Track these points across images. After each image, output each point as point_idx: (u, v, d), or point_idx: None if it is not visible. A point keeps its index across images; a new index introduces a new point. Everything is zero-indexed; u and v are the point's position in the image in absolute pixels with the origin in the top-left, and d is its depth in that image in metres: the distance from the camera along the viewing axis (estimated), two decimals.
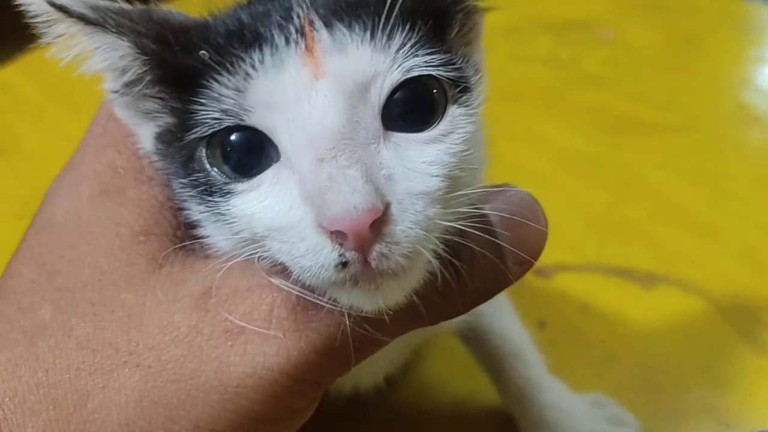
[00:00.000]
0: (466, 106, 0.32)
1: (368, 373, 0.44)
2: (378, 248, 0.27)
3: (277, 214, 0.30)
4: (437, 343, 0.56)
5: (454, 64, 0.32)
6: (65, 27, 0.33)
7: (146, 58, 0.32)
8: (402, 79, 0.30)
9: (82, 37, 0.33)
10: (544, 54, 1.04)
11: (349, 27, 0.30)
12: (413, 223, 0.28)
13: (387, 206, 0.28)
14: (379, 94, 0.30)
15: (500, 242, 0.32)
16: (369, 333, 0.30)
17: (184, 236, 0.34)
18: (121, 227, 0.33)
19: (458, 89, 0.32)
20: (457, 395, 0.53)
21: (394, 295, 0.29)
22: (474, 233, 0.30)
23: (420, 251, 0.28)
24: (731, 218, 0.69)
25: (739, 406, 0.52)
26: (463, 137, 0.31)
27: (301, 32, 0.30)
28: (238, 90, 0.30)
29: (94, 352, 0.30)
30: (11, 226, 0.75)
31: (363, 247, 0.27)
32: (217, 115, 0.31)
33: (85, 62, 0.34)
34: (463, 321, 0.45)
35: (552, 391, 0.49)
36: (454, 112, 0.31)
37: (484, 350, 0.49)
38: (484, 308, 0.46)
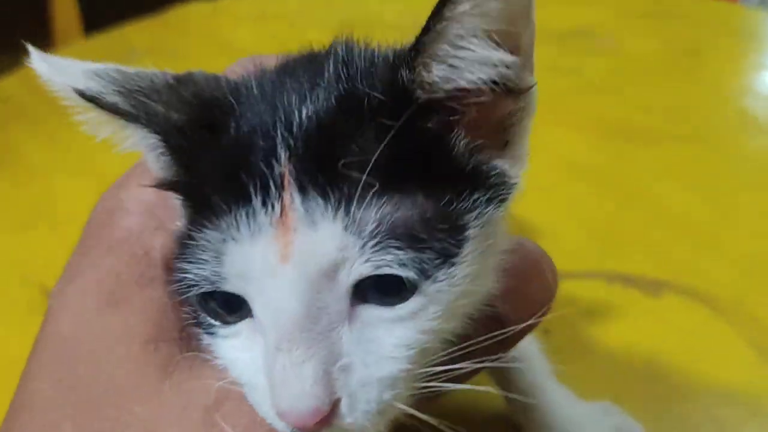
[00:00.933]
0: (445, 279, 0.29)
1: None
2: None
3: (248, 369, 0.30)
4: None
5: (439, 230, 0.29)
6: (96, 115, 0.32)
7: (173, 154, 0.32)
8: (371, 274, 0.28)
9: (114, 124, 0.32)
10: (545, 63, 1.04)
11: (323, 195, 0.28)
12: (363, 412, 0.28)
13: (337, 401, 0.28)
14: (347, 277, 0.28)
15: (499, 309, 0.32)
16: None
17: (189, 335, 0.34)
18: (130, 338, 0.34)
19: (438, 262, 0.29)
20: (461, 402, 0.53)
21: None
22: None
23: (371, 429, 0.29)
24: (735, 226, 0.69)
25: (744, 415, 0.51)
26: (437, 313, 0.29)
27: (278, 191, 0.28)
28: (217, 254, 0.30)
29: None
30: (11, 238, 0.76)
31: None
32: (193, 278, 0.30)
33: (119, 144, 0.33)
34: None
35: (558, 397, 0.48)
36: (427, 289, 0.29)
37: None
38: None
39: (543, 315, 0.33)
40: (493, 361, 0.32)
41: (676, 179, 0.76)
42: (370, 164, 0.27)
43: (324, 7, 1.27)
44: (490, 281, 0.32)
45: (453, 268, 0.29)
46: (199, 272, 0.30)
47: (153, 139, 0.32)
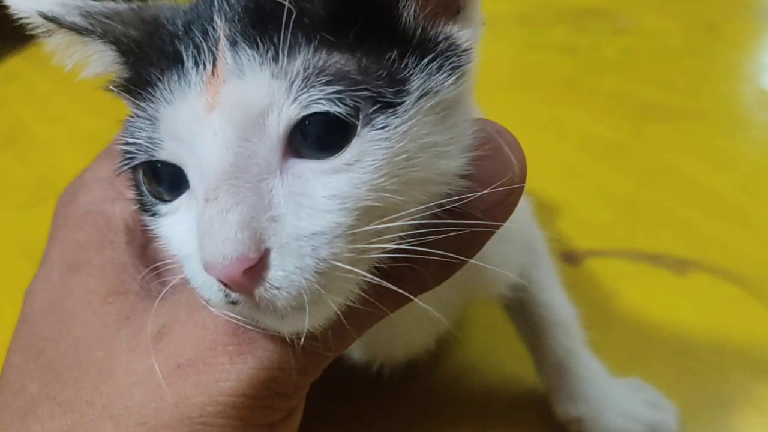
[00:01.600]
0: (384, 127, 0.27)
1: (410, 342, 0.44)
2: (259, 292, 0.26)
3: (183, 242, 0.29)
4: (465, 335, 0.54)
5: (376, 76, 0.27)
6: (60, 37, 0.33)
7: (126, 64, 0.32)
8: (300, 116, 0.27)
9: (77, 45, 0.33)
10: (561, 42, 1.03)
11: (254, 46, 0.27)
12: (297, 268, 0.26)
13: (266, 252, 0.26)
14: (277, 124, 0.27)
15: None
16: (314, 348, 0.30)
17: (149, 288, 0.34)
18: (90, 294, 0.34)
19: (376, 107, 0.27)
20: (486, 383, 0.51)
21: (302, 324, 0.27)
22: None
23: (318, 292, 0.26)
24: (760, 202, 0.67)
25: None
26: (374, 165, 0.27)
27: (212, 51, 0.28)
28: (151, 120, 0.29)
29: (73, 412, 0.31)
30: (20, 214, 0.75)
31: (243, 290, 0.26)
32: (130, 149, 0.30)
33: (86, 68, 0.33)
34: (511, 292, 0.45)
35: (591, 366, 0.47)
36: (364, 136, 0.27)
37: (528, 319, 0.47)
38: (533, 278, 0.46)
39: (510, 202, 0.30)
40: (460, 257, 0.29)
41: (698, 156, 0.75)
42: (293, 16, 0.27)
43: None
44: (451, 159, 0.29)
45: (393, 118, 0.27)
46: (135, 141, 0.30)
47: (110, 52, 0.32)
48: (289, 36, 0.27)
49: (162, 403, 0.30)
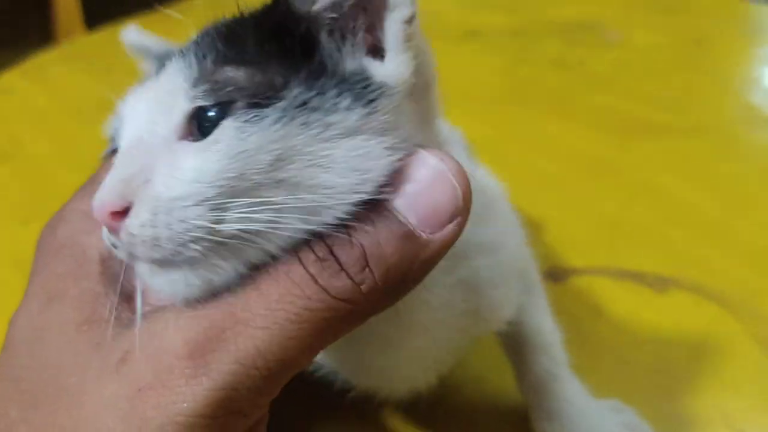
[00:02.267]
0: (246, 121, 0.31)
1: (411, 378, 0.45)
2: (122, 235, 0.31)
3: None
4: None
5: (256, 82, 0.32)
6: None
7: None
8: (189, 108, 0.32)
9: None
10: (551, 56, 1.04)
11: (181, 54, 0.34)
12: (150, 220, 0.31)
13: (130, 204, 0.31)
14: (177, 114, 0.33)
15: (402, 218, 0.32)
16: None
17: (126, 315, 0.36)
18: (65, 324, 0.35)
19: (245, 105, 0.32)
20: (470, 399, 0.53)
21: (181, 285, 0.32)
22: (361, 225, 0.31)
23: (184, 252, 0.31)
24: (743, 221, 0.69)
25: (753, 411, 0.51)
26: (233, 148, 0.31)
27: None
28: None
29: None
30: (15, 231, 0.76)
31: (111, 231, 0.32)
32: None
33: None
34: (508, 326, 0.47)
35: (572, 388, 0.48)
36: (228, 125, 0.31)
37: (514, 339, 0.49)
38: (523, 302, 0.47)
39: (456, 226, 0.32)
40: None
41: (684, 173, 0.76)
42: (215, 34, 0.35)
43: None
44: (335, 175, 0.31)
45: (258, 117, 0.31)
46: (109, 133, 0.37)
47: None
48: (199, 49, 0.34)
49: (128, 427, 0.31)
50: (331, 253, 0.31)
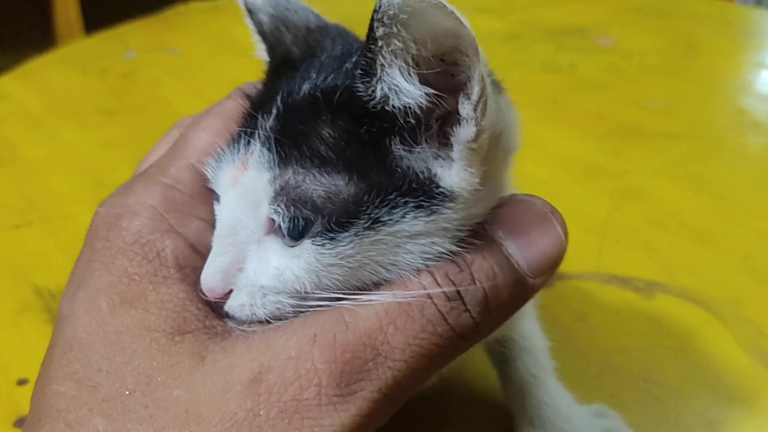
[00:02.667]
0: (323, 245, 0.35)
1: None
2: (224, 311, 0.37)
3: None
4: None
5: (330, 209, 0.34)
6: (249, 23, 0.45)
7: None
8: (272, 217, 0.36)
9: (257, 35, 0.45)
10: (543, 61, 1.04)
11: (272, 150, 0.36)
12: (243, 304, 0.36)
13: (231, 290, 0.37)
14: (263, 214, 0.36)
15: (515, 263, 0.35)
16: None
17: (215, 325, 0.36)
18: (153, 332, 0.35)
19: (330, 225, 0.34)
20: (459, 401, 0.53)
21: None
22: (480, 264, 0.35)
23: (271, 319, 0.36)
24: (732, 225, 0.69)
25: (740, 418, 0.51)
26: (308, 267, 0.35)
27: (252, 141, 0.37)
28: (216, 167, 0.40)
29: None
30: (8, 235, 0.76)
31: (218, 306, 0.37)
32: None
33: (257, 48, 0.46)
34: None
35: (555, 393, 0.49)
36: (307, 246, 0.35)
37: (499, 343, 0.49)
38: None
39: (553, 272, 0.36)
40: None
41: (673, 177, 0.76)
42: (304, 142, 0.35)
43: (324, 3, 1.27)
44: (407, 265, 0.35)
45: (331, 242, 0.34)
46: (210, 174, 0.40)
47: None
48: (283, 153, 0.36)
49: None
50: (458, 293, 0.34)
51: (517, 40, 1.12)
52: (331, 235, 0.34)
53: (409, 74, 0.33)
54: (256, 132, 0.37)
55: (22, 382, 0.56)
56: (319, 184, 0.34)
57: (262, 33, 0.43)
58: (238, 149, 0.38)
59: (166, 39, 1.18)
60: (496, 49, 1.10)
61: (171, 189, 0.40)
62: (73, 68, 1.11)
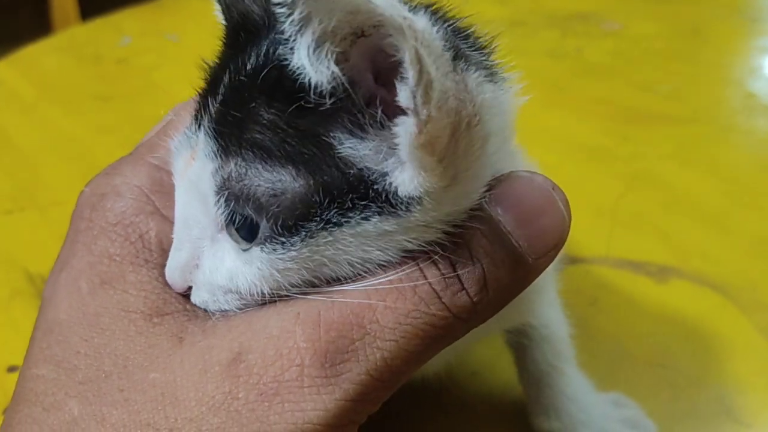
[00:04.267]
0: (268, 253, 0.31)
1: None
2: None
3: None
4: None
5: (274, 211, 0.31)
6: None
7: None
8: (220, 216, 0.32)
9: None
10: (549, 46, 1.02)
11: (216, 140, 0.32)
12: (202, 300, 0.34)
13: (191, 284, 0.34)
14: (211, 209, 0.32)
15: (515, 241, 0.31)
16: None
17: (195, 308, 0.35)
18: (131, 314, 0.34)
19: (278, 228, 0.31)
20: (478, 391, 0.51)
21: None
22: (479, 242, 0.31)
23: (241, 307, 0.33)
24: (744, 209, 0.67)
25: (759, 404, 0.49)
26: (261, 272, 0.32)
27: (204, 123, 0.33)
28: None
29: None
30: (0, 221, 0.74)
31: None
32: None
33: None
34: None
35: (573, 383, 0.46)
36: (255, 250, 0.32)
37: (518, 330, 0.46)
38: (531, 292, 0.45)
39: (555, 252, 0.32)
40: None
41: (683, 161, 0.75)
42: (242, 131, 0.31)
43: None
44: (376, 261, 0.31)
45: (281, 248, 0.31)
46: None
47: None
48: (224, 143, 0.32)
49: (242, 429, 0.30)
50: (455, 271, 0.31)
51: (522, 26, 1.10)
52: (281, 239, 0.31)
53: (316, 51, 0.28)
54: (203, 118, 0.33)
55: (12, 369, 0.55)
56: (263, 179, 0.31)
57: None
58: (191, 136, 0.34)
59: (162, 25, 1.16)
60: (501, 35, 1.08)
61: (159, 170, 0.38)
62: (68, 55, 1.09)
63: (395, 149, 0.29)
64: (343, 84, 0.28)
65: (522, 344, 0.47)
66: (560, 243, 0.32)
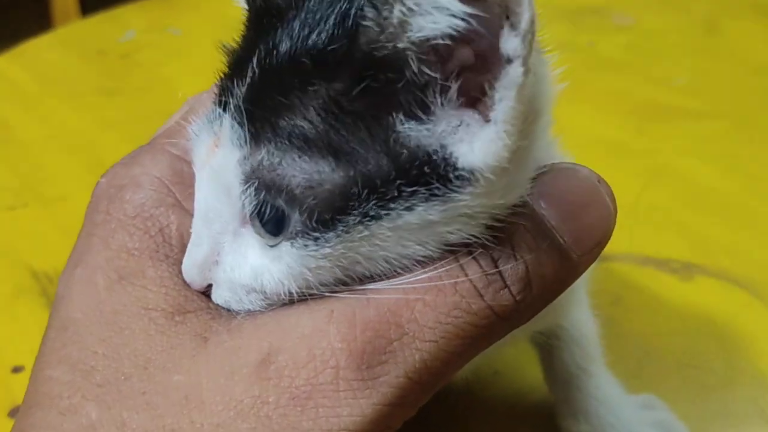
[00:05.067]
0: (300, 248, 0.29)
1: None
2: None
3: None
4: None
5: (310, 203, 0.29)
6: None
7: None
8: (246, 209, 0.30)
9: None
10: (561, 40, 1.00)
11: (243, 126, 0.30)
12: (223, 299, 0.32)
13: (210, 282, 0.32)
14: (235, 202, 0.30)
15: (559, 236, 0.30)
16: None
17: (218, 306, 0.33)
18: (152, 311, 0.32)
19: (312, 224, 0.29)
20: (506, 391, 0.49)
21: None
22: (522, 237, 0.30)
23: (266, 306, 0.31)
24: (766, 204, 0.65)
25: None
26: (292, 269, 0.30)
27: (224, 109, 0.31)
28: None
29: None
30: (3, 217, 0.72)
31: None
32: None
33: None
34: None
35: (603, 385, 0.45)
36: (284, 245, 0.30)
37: (548, 331, 0.44)
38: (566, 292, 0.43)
39: (600, 249, 0.31)
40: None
41: (701, 156, 0.73)
42: (268, 89, 0.29)
43: None
44: (418, 247, 0.30)
45: (313, 244, 0.29)
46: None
47: None
48: (255, 128, 0.29)
49: None
50: (497, 267, 0.29)
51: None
52: (315, 234, 0.29)
53: None
54: (229, 102, 0.31)
55: (17, 370, 0.53)
56: (299, 170, 0.28)
57: None
58: (214, 121, 0.32)
59: (165, 19, 1.14)
60: None
61: (180, 160, 0.36)
62: (70, 49, 1.07)
63: (470, 115, 0.28)
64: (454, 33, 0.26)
65: (550, 345, 0.45)
66: (606, 239, 0.31)
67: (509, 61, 0.26)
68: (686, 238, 0.62)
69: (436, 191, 0.28)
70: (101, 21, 1.17)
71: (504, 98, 0.27)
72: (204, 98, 0.38)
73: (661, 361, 0.51)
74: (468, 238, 0.29)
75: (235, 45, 0.34)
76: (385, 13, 0.26)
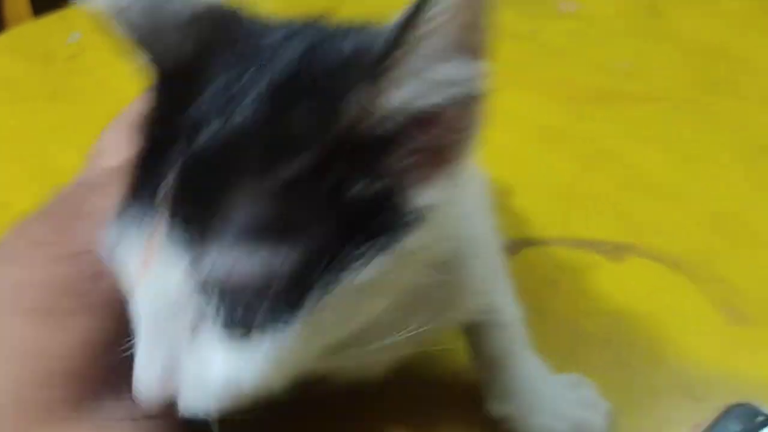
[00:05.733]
0: (272, 334, 0.27)
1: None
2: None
3: None
4: None
5: (268, 303, 0.27)
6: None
7: None
8: (211, 312, 0.28)
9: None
10: (505, 28, 1.01)
11: (185, 227, 0.27)
12: (204, 405, 0.29)
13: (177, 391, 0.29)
14: (188, 303, 0.28)
15: None
16: None
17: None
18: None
19: (278, 307, 0.27)
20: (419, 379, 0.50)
21: None
22: None
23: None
24: (700, 184, 0.67)
25: (713, 379, 0.49)
26: (269, 360, 0.28)
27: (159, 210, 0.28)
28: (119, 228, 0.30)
29: None
30: None
31: None
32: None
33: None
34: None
35: (527, 366, 0.46)
36: (253, 339, 0.28)
37: (471, 321, 0.45)
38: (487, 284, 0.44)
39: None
40: None
41: (641, 139, 0.74)
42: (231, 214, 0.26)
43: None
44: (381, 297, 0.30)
45: (282, 327, 0.27)
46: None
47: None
48: (200, 226, 0.26)
49: None
50: None
51: None
52: (284, 318, 0.27)
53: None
54: (159, 193, 0.27)
55: None
56: (257, 263, 0.26)
57: (139, 36, 0.32)
58: (143, 218, 0.28)
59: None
60: None
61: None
62: (16, 54, 1.06)
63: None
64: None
65: (475, 330, 0.46)
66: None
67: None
68: (620, 220, 0.63)
69: (387, 238, 0.28)
70: (48, 24, 1.16)
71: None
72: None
73: (591, 340, 0.52)
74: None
75: (149, 113, 0.30)
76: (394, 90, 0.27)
